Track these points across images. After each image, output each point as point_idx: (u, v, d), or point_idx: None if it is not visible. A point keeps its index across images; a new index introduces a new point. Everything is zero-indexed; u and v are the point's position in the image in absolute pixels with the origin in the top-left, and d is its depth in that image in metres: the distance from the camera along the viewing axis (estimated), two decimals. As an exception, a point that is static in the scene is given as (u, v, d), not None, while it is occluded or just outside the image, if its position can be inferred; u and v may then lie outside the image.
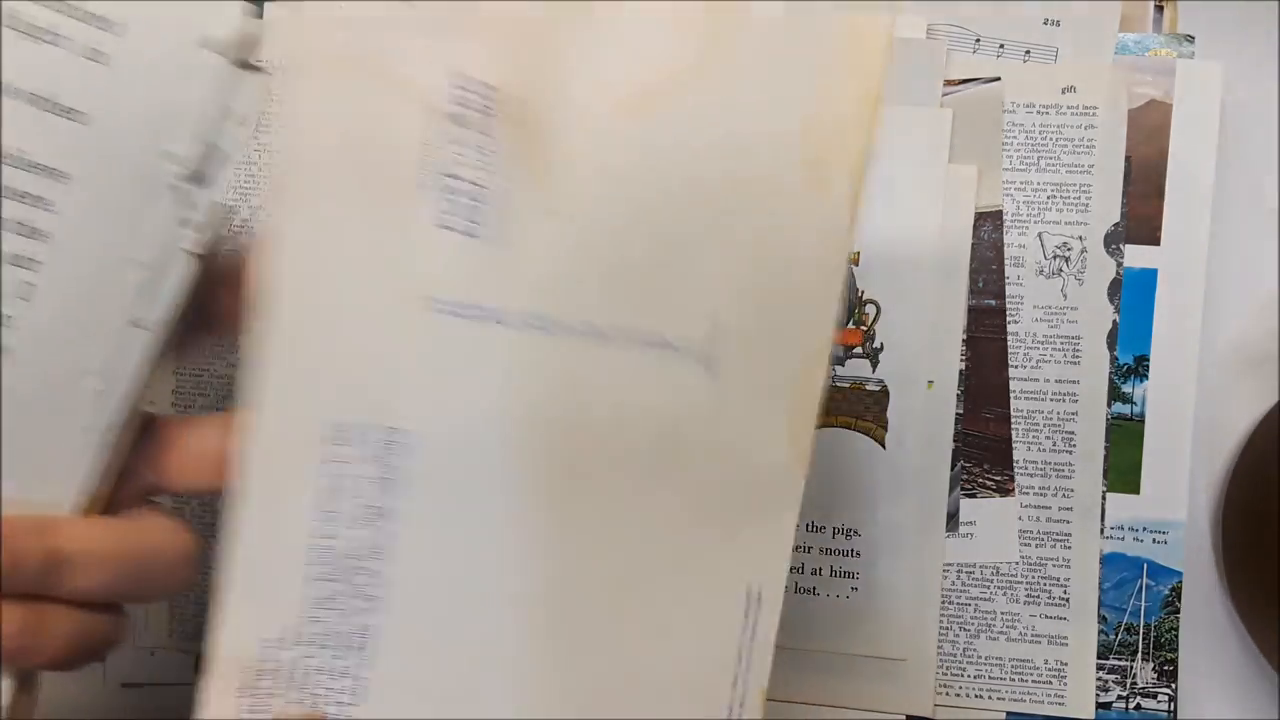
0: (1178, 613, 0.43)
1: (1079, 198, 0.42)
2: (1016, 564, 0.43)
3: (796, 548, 0.43)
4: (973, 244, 0.42)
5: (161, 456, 0.25)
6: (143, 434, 0.25)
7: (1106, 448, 0.43)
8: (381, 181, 0.24)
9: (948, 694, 0.43)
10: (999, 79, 0.42)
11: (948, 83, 0.42)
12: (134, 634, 0.45)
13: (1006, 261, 0.42)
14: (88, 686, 0.45)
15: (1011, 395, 0.43)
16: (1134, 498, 0.43)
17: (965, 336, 0.42)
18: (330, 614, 0.25)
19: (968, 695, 0.43)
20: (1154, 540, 0.43)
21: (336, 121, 0.24)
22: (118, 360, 0.24)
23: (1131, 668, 0.43)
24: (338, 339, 0.24)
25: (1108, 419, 0.43)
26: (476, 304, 0.25)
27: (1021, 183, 0.42)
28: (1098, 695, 0.43)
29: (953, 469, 0.42)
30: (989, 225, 0.42)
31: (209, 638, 0.25)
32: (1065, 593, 0.43)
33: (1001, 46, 0.42)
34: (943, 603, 0.43)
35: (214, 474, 0.25)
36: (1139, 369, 0.43)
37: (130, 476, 0.25)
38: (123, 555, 0.24)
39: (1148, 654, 0.43)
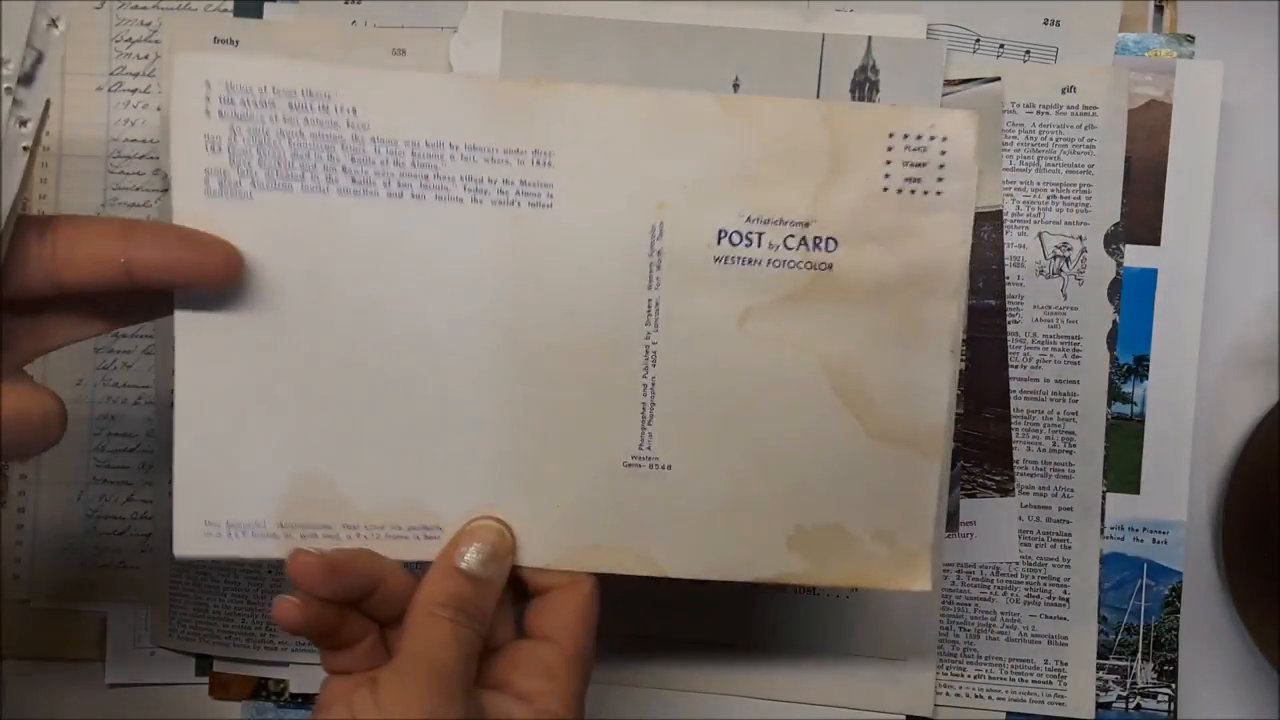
0: (1178, 613, 0.43)
1: (1079, 198, 0.42)
2: (1016, 564, 0.43)
3: (796, 548, 0.43)
4: (973, 244, 0.42)
5: (52, 252, 0.28)
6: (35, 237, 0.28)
7: (1106, 448, 0.43)
8: None
9: (948, 694, 0.43)
10: (999, 79, 0.42)
11: (948, 83, 0.42)
12: (133, 635, 0.45)
13: (1006, 261, 0.42)
14: (85, 687, 0.45)
15: (1011, 395, 0.42)
16: (1134, 498, 0.43)
17: (965, 336, 0.42)
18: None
19: (968, 695, 0.43)
20: (1154, 540, 0.43)
21: None
22: None
23: (1131, 668, 0.43)
24: None
25: (1108, 419, 0.43)
26: None
27: (1021, 183, 0.42)
28: (1098, 695, 0.43)
29: (953, 469, 0.42)
30: (989, 225, 0.42)
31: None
32: (1065, 593, 0.43)
33: (1001, 46, 0.42)
34: (943, 603, 0.43)
35: (104, 269, 0.28)
36: (1139, 369, 0.43)
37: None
38: None
39: (1148, 654, 0.43)
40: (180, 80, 0.29)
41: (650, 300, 0.31)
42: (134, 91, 0.44)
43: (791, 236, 0.31)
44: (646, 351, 0.32)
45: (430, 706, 0.28)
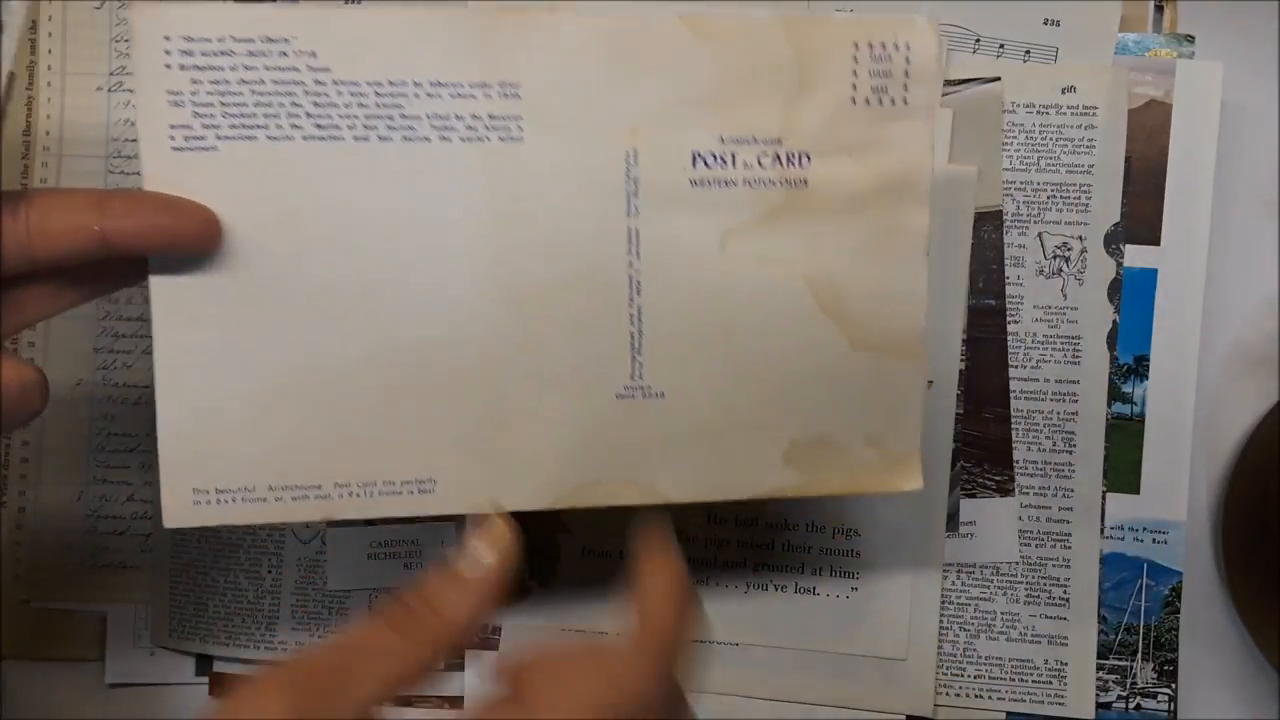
0: (1178, 613, 0.43)
1: (1079, 198, 0.42)
2: (1016, 564, 0.43)
3: (796, 548, 0.43)
4: (973, 244, 0.42)
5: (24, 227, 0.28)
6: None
7: (1106, 448, 0.43)
8: None
9: (948, 694, 0.43)
10: (999, 79, 0.42)
11: (948, 83, 0.42)
12: (133, 635, 0.45)
13: (1006, 261, 0.42)
14: (85, 687, 0.45)
15: (1011, 395, 0.42)
16: (1134, 498, 0.43)
17: (965, 336, 0.42)
18: None
19: (968, 695, 0.43)
20: (1154, 540, 0.43)
21: None
22: None
23: (1131, 668, 0.43)
24: None
25: (1108, 419, 0.43)
26: None
27: (1021, 183, 0.42)
28: (1098, 695, 0.43)
29: (953, 469, 0.42)
30: (989, 225, 0.42)
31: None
32: (1065, 593, 0.43)
33: (1001, 46, 0.42)
34: (943, 603, 0.43)
35: (79, 241, 0.28)
36: (1139, 369, 0.43)
37: None
38: None
39: (1148, 654, 0.43)
40: (140, 35, 0.29)
41: (630, 228, 0.31)
42: (134, 91, 0.44)
43: (765, 154, 0.31)
44: (630, 281, 0.31)
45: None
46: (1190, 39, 0.42)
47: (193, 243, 0.29)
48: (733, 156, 0.31)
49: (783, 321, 0.32)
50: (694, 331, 0.32)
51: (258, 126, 0.30)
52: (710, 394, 0.32)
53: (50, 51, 0.43)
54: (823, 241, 0.32)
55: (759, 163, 0.31)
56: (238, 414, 0.31)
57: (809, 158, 0.31)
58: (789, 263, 0.32)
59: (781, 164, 0.31)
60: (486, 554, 0.28)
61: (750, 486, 0.33)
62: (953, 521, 0.43)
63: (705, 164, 0.31)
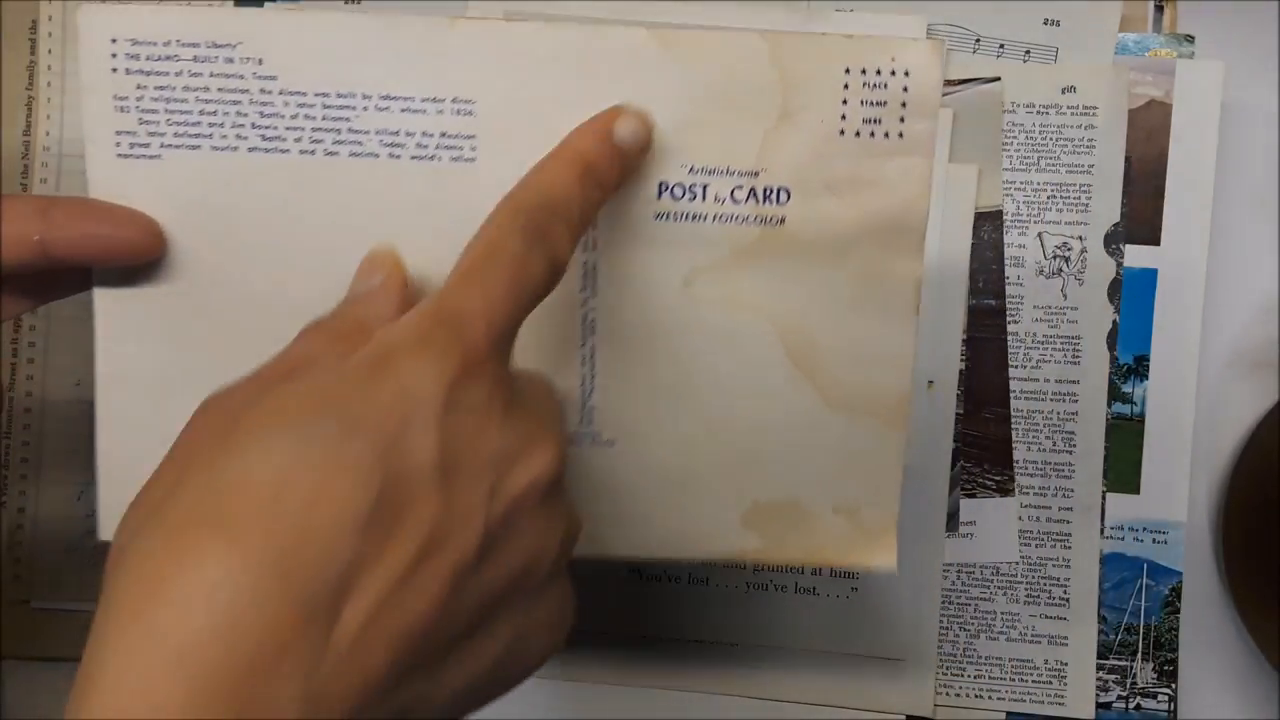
0: (1178, 613, 0.43)
1: (1079, 198, 0.42)
2: (1016, 564, 0.43)
3: (796, 548, 0.43)
4: (973, 244, 0.42)
5: None
6: None
7: (1106, 448, 0.43)
8: None
9: (948, 694, 0.43)
10: (999, 79, 0.42)
11: (948, 83, 0.42)
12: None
13: (1006, 261, 0.42)
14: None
15: (1011, 395, 0.43)
16: (1134, 498, 0.43)
17: (965, 336, 0.42)
18: None
19: (968, 695, 0.43)
20: (1154, 540, 0.43)
21: None
22: None
23: (1131, 668, 0.43)
24: None
25: (1108, 419, 0.43)
26: None
27: (1021, 183, 0.42)
28: (1098, 695, 0.43)
29: (953, 469, 0.42)
30: (989, 225, 0.42)
31: None
32: (1065, 593, 0.43)
33: (1001, 46, 0.42)
34: (943, 603, 0.43)
35: (21, 250, 0.27)
36: (1139, 369, 0.43)
37: None
38: None
39: (1148, 654, 0.43)
40: (85, 36, 0.28)
41: (585, 263, 0.29)
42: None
43: (739, 188, 0.28)
44: (584, 319, 0.29)
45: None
46: (1190, 39, 0.42)
47: (133, 253, 0.28)
48: (703, 189, 0.28)
49: (749, 372, 0.29)
50: (652, 378, 0.29)
51: (202, 136, 0.28)
52: (666, 446, 0.30)
53: (50, 52, 0.43)
54: (799, 288, 0.29)
55: (732, 196, 0.28)
56: (176, 429, 0.29)
57: (788, 194, 0.28)
58: (759, 309, 0.29)
59: (757, 199, 0.28)
60: (375, 275, 0.26)
61: (704, 548, 0.31)
62: (953, 521, 0.43)
63: (672, 195, 0.28)
